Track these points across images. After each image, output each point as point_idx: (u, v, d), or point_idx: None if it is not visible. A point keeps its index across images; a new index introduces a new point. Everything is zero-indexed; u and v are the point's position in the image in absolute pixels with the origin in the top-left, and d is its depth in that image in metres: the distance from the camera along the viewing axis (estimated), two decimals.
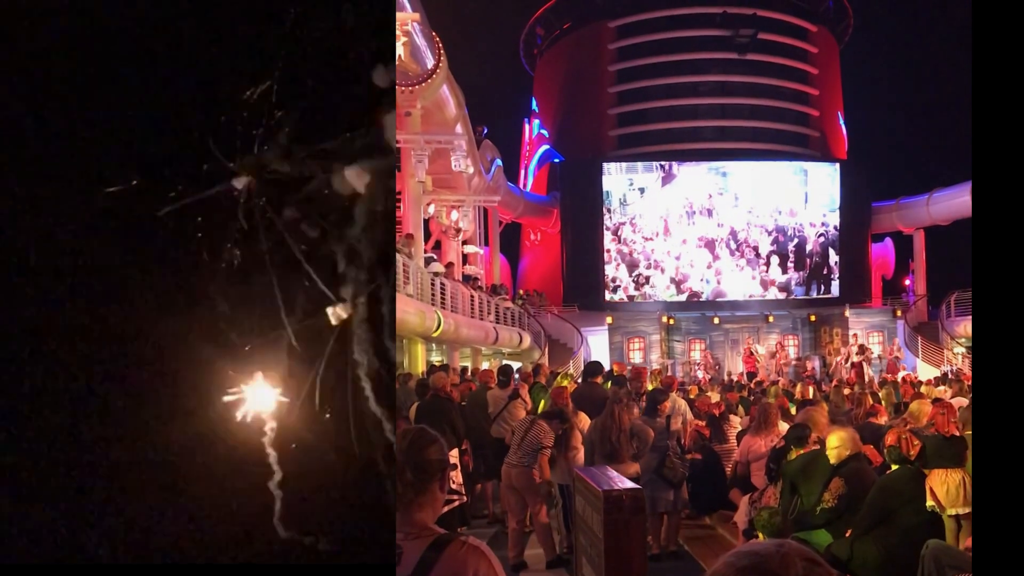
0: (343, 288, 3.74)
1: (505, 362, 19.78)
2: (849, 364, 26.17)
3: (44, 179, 3.41)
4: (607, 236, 37.03)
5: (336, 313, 3.77)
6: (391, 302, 3.82)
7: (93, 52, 3.40)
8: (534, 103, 46.84)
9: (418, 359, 17.55)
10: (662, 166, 37.37)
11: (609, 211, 37.14)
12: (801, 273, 37.83)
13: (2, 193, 3.35)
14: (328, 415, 3.84)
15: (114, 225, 3.47)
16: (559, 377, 11.73)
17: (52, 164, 3.42)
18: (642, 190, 37.30)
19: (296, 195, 3.60)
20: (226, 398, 3.74)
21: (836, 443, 6.06)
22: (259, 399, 3.79)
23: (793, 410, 10.60)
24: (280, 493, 3.75)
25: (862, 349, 18.03)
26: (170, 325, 3.58)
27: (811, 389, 15.53)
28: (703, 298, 37.00)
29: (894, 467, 5.93)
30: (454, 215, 26.05)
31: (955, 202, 32.50)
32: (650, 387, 11.66)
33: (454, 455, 8.80)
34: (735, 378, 24.73)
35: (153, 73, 3.44)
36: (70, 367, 3.49)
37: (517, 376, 12.44)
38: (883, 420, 9.13)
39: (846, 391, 14.15)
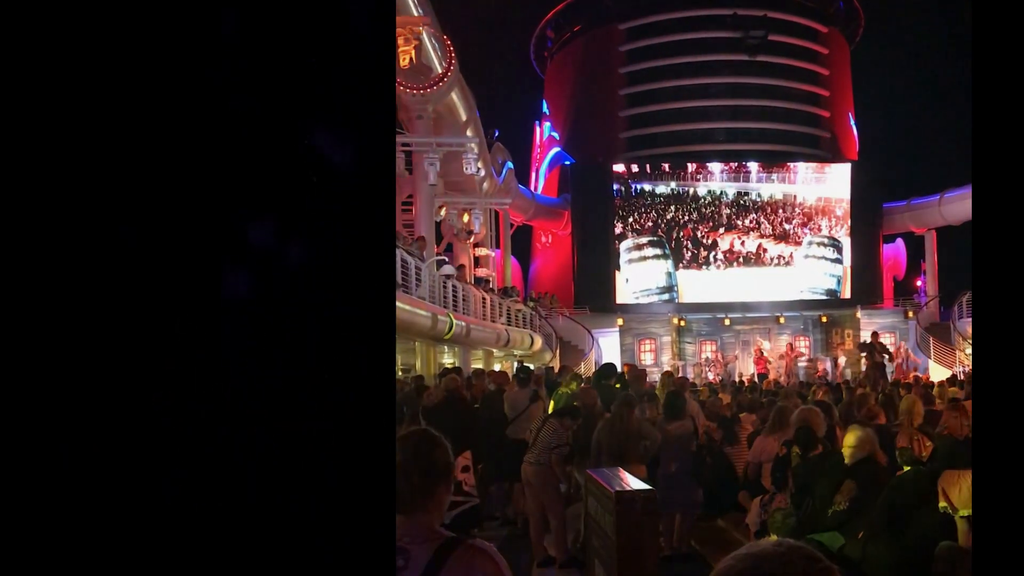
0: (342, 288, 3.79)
1: (517, 365, 19.80)
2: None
3: None
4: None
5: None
6: (391, 300, 3.88)
7: None
8: (545, 106, 46.84)
9: (430, 362, 17.61)
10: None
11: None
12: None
13: None
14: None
15: None
16: (565, 380, 11.71)
17: None
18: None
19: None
20: None
21: (852, 442, 6.04)
22: None
23: None
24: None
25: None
26: None
27: (823, 392, 15.44)
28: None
29: (906, 468, 5.93)
30: (465, 218, 26.11)
31: (967, 203, 32.19)
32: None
33: (467, 457, 8.80)
34: (745, 380, 24.63)
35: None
36: None
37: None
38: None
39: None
